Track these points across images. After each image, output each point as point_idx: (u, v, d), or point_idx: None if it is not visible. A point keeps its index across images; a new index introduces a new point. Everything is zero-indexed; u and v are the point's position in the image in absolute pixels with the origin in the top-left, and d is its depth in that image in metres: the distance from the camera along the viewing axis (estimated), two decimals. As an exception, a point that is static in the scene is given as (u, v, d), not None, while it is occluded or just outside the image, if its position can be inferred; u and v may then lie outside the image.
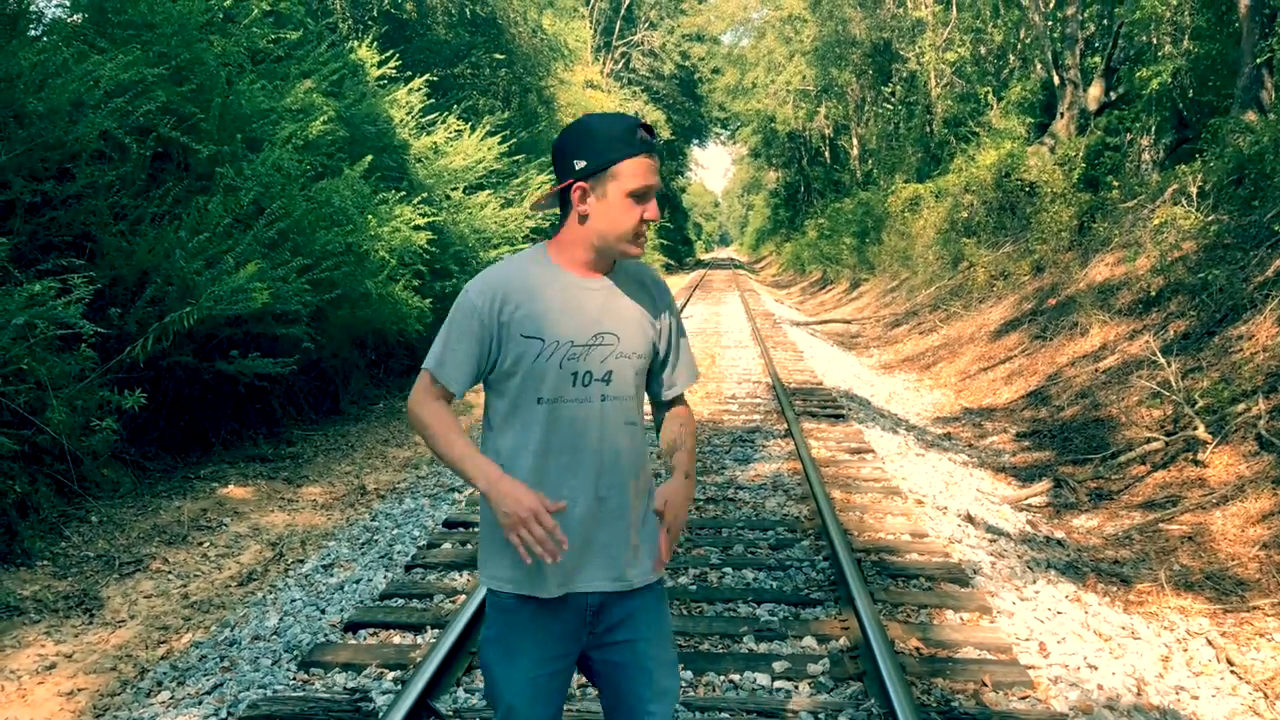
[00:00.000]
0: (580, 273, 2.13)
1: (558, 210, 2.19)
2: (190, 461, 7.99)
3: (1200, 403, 7.99)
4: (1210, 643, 4.93)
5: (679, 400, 2.34)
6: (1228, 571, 5.90)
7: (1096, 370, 10.74)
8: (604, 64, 45.06)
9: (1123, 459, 8.19)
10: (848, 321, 23.56)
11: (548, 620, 2.13)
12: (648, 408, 2.32)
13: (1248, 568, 5.89)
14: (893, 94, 32.98)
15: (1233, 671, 4.63)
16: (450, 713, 3.65)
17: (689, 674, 4.03)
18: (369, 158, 9.75)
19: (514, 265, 2.15)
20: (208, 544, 6.40)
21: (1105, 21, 20.50)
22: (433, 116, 13.41)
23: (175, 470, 7.74)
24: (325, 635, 4.54)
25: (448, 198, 12.99)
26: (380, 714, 3.64)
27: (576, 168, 2.07)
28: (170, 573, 5.90)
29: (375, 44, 12.35)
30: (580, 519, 2.10)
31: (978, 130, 22.47)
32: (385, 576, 5.34)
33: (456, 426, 2.10)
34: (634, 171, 2.03)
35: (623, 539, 2.15)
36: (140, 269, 7.29)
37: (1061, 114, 19.69)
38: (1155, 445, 8.00)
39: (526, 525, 1.92)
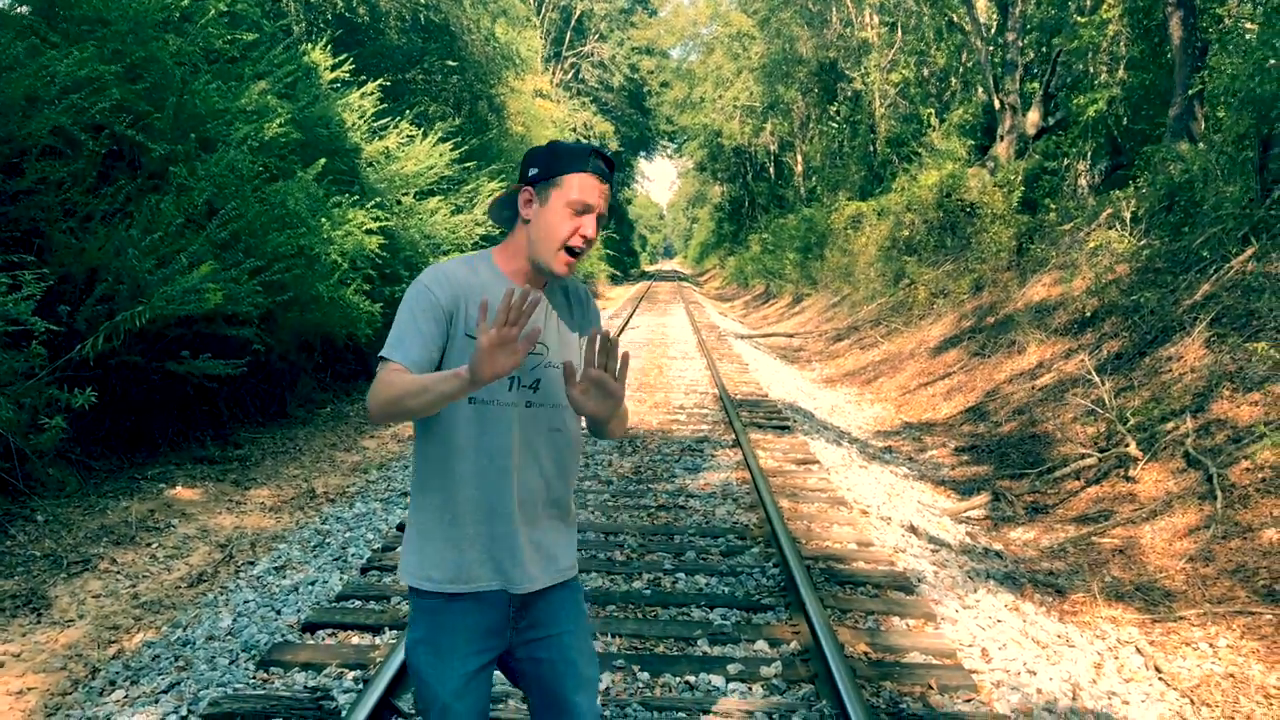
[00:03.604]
0: (521, 283, 2.22)
1: (503, 228, 2.30)
2: (137, 462, 7.91)
3: (1132, 420, 8.28)
4: (1140, 651, 5.13)
5: None
6: (1156, 583, 6.13)
7: (1033, 387, 11.04)
8: (554, 74, 45.13)
9: (1058, 474, 8.44)
10: (791, 335, 23.86)
11: (475, 615, 2.21)
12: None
13: (1175, 579, 6.12)
14: (837, 113, 33.49)
15: (1161, 678, 4.82)
16: (412, 711, 3.70)
17: (645, 675, 4.12)
18: (322, 160, 9.73)
19: (463, 266, 2.22)
20: (156, 545, 6.35)
21: (1044, 49, 21.09)
22: (385, 121, 13.38)
23: (121, 471, 7.66)
24: (283, 635, 4.56)
25: (399, 203, 12.97)
26: (343, 712, 3.68)
27: (530, 174, 2.20)
28: (119, 573, 5.85)
29: (328, 47, 12.30)
30: (507, 518, 2.19)
31: (920, 151, 22.93)
32: (341, 578, 5.36)
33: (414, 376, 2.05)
34: (577, 184, 2.14)
35: (545, 538, 2.26)
36: (90, 267, 7.22)
37: (1001, 137, 20.18)
38: (1089, 461, 8.26)
39: (502, 337, 1.83)
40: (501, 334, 1.81)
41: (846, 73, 32.25)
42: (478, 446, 2.16)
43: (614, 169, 2.23)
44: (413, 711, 3.70)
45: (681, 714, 3.74)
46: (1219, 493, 6.69)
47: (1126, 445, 7.98)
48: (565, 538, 2.31)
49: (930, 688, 4.04)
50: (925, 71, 26.94)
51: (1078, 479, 8.25)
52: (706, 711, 3.77)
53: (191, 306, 7.11)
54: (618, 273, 52.99)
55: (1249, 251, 9.62)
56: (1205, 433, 7.61)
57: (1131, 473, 7.75)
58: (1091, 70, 19.07)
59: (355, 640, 4.49)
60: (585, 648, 2.32)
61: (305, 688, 3.94)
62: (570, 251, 2.16)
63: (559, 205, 2.14)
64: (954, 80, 25.82)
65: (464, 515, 2.18)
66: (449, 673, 2.19)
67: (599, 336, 2.05)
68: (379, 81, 13.07)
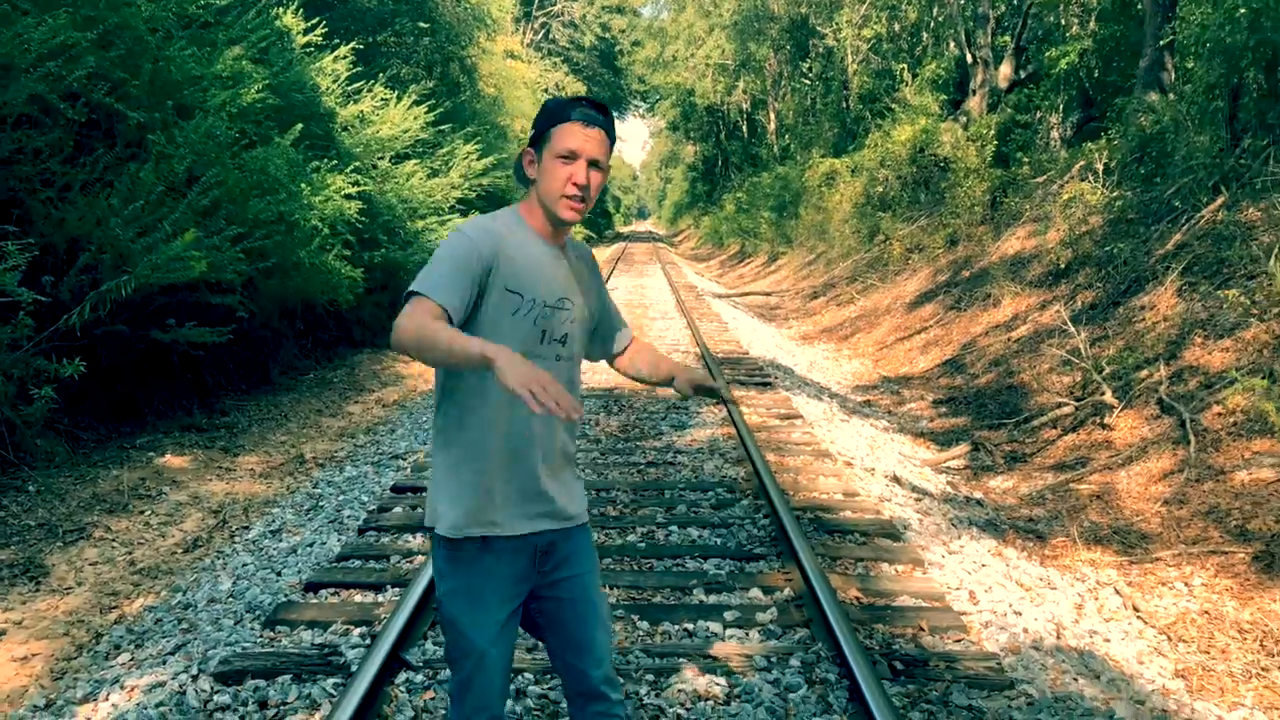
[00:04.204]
0: (548, 239, 2.34)
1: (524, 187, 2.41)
2: (124, 431, 7.92)
3: (1107, 369, 8.43)
4: (1118, 592, 5.29)
5: (628, 347, 2.69)
6: (1133, 527, 6.29)
7: (1009, 339, 11.20)
8: (524, 34, 44.66)
9: (1035, 423, 8.60)
10: (768, 294, 23.95)
11: (506, 563, 2.32)
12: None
13: (1150, 523, 6.29)
14: (810, 69, 33.42)
15: (1139, 617, 4.99)
16: (420, 664, 3.79)
17: (645, 624, 4.24)
18: (299, 126, 9.67)
19: (501, 221, 2.31)
20: (149, 512, 6.40)
21: (1015, 2, 21.10)
22: (358, 85, 13.29)
23: (110, 440, 7.68)
24: (286, 595, 4.63)
25: (374, 167, 12.92)
26: (353, 667, 3.77)
27: (530, 138, 2.32)
28: (114, 540, 5.90)
29: (300, 11, 12.17)
30: (535, 465, 2.32)
31: (893, 106, 22.95)
32: (339, 540, 5.43)
33: (443, 323, 2.05)
34: (562, 135, 2.24)
35: (568, 482, 2.41)
36: (71, 237, 7.19)
37: (974, 91, 20.24)
38: (1065, 410, 8.42)
39: (543, 383, 1.80)
40: (538, 379, 1.80)
41: (819, 29, 32.14)
42: (510, 399, 2.23)
43: (607, 114, 2.30)
44: (420, 664, 3.79)
45: (682, 659, 3.85)
46: (1192, 437, 6.86)
47: (1102, 393, 8.13)
48: (578, 485, 2.46)
49: (921, 629, 4.17)
50: (897, 26, 26.91)
51: (1055, 428, 8.41)
52: (706, 656, 3.88)
53: (176, 274, 7.11)
54: (593, 234, 52.83)
55: (1219, 200, 9.77)
56: (1178, 379, 7.77)
57: (1107, 420, 7.91)
58: (1062, 23, 19.14)
59: (359, 598, 4.57)
60: (599, 585, 2.47)
61: (313, 645, 4.02)
62: (570, 198, 2.24)
63: (550, 159, 2.25)
64: (926, 35, 25.81)
65: (495, 462, 2.28)
66: (485, 619, 2.29)
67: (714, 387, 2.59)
68: (351, 45, 12.95)
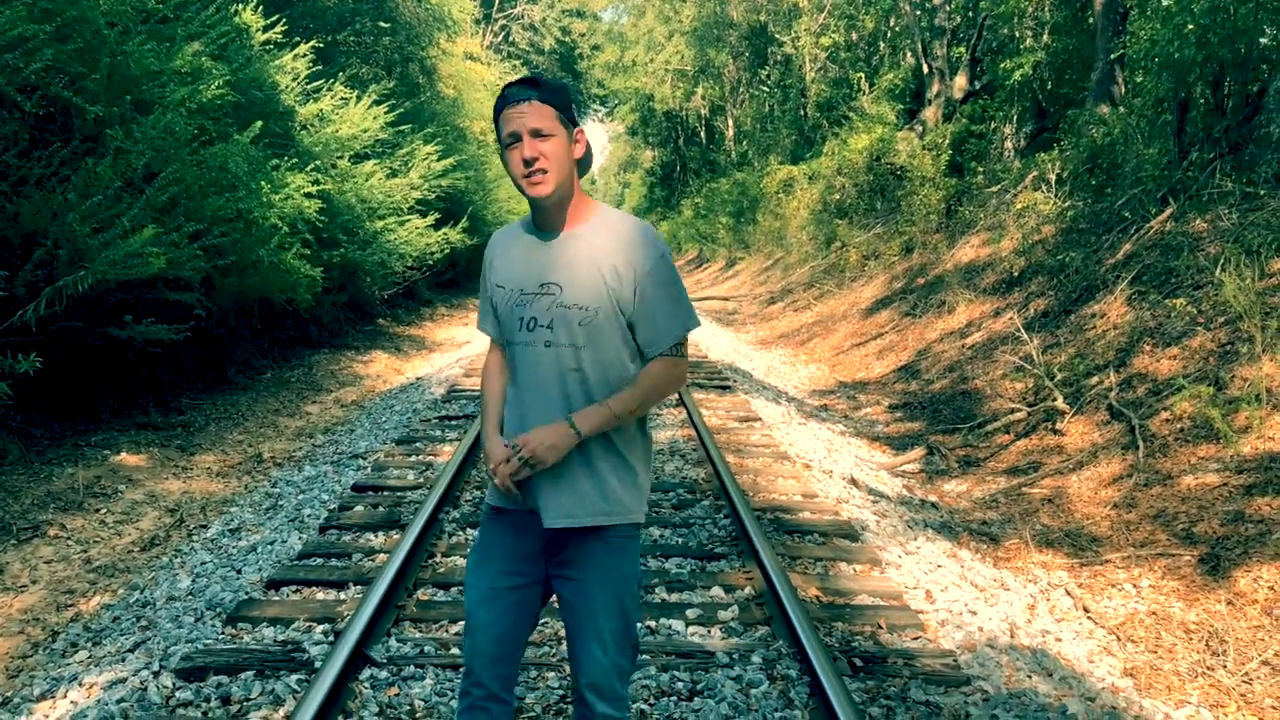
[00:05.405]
0: (540, 228, 2.38)
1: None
2: (79, 429, 7.82)
3: (1059, 376, 8.60)
4: (1069, 593, 5.40)
5: (660, 356, 2.35)
6: (1083, 530, 6.42)
7: (963, 346, 11.37)
8: (484, 36, 44.48)
9: (989, 428, 8.74)
10: (725, 299, 24.08)
11: (513, 537, 2.41)
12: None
13: (1100, 526, 6.42)
14: (768, 77, 33.67)
15: (1089, 618, 5.10)
16: (385, 660, 3.80)
17: (608, 622, 4.27)
18: (259, 123, 9.60)
19: (508, 226, 2.50)
20: (105, 510, 6.33)
21: (971, 14, 21.41)
22: (318, 84, 13.20)
23: (64, 438, 7.57)
24: (247, 593, 4.61)
25: (334, 166, 12.84)
26: (316, 663, 3.77)
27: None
28: (69, 539, 5.83)
29: (259, 8, 12.07)
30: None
31: (850, 115, 23.18)
32: (300, 538, 5.41)
33: (495, 387, 2.50)
34: (502, 125, 2.29)
35: (568, 478, 2.32)
36: (26, 231, 7.09)
37: (929, 101, 20.51)
38: (1018, 415, 8.58)
39: (495, 473, 2.33)
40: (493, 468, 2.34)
41: (777, 37, 32.40)
42: (515, 381, 2.38)
43: (535, 83, 2.27)
44: (384, 661, 3.80)
45: (645, 657, 3.89)
46: (1140, 443, 7.01)
47: (1053, 400, 8.29)
48: (600, 485, 2.33)
49: (880, 627, 4.25)
50: (854, 36, 27.19)
51: (1008, 433, 8.56)
52: (669, 654, 3.92)
53: (134, 271, 7.04)
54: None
55: (1167, 212, 10.00)
56: (1127, 386, 7.94)
57: (1059, 426, 8.06)
58: (1017, 35, 19.45)
59: (321, 596, 4.56)
60: (610, 601, 2.36)
61: (275, 641, 4.01)
62: (526, 176, 2.25)
63: (505, 152, 2.29)
64: (883, 45, 26.11)
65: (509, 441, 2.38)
66: (479, 583, 2.40)
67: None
68: (311, 43, 12.86)
